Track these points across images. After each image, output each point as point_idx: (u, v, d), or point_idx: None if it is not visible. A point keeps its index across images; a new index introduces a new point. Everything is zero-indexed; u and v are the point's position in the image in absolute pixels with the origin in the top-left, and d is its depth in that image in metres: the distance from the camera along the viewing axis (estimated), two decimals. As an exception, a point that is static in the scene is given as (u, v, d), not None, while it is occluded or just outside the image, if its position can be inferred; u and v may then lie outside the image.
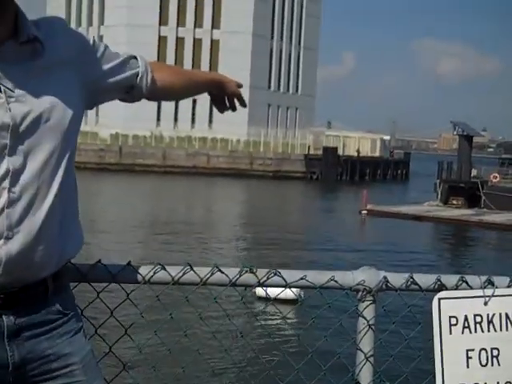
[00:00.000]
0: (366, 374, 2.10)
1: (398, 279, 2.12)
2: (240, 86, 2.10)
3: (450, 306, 2.05)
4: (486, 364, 2.06)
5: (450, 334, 2.05)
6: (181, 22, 69.24)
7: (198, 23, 69.46)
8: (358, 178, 59.83)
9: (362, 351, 2.09)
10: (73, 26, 72.55)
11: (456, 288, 2.12)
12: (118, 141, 58.00)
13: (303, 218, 31.57)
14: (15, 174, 1.52)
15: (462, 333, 2.05)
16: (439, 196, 37.70)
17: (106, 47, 1.78)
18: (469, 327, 2.05)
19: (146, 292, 1.96)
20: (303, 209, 36.67)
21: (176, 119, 64.85)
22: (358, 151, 63.38)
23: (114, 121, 56.77)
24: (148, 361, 6.58)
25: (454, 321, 2.05)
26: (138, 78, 1.83)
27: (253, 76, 69.16)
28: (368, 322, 2.07)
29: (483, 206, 35.76)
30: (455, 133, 40.86)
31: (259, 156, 58.57)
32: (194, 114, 64.89)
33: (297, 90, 76.72)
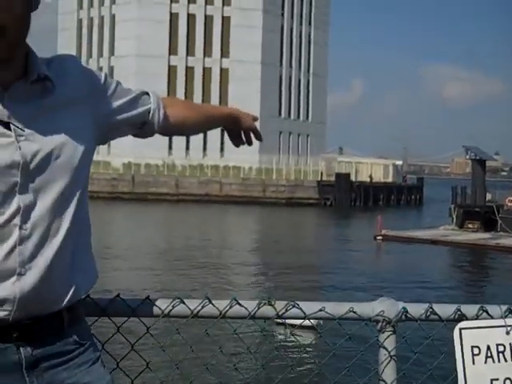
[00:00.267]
0: (390, 405, 2.08)
1: (417, 310, 2.11)
2: (255, 119, 2.10)
3: (471, 336, 2.04)
4: (511, 393, 2.04)
5: (473, 364, 2.03)
6: (190, 51, 69.93)
7: (207, 52, 70.12)
8: (372, 203, 59.71)
9: (384, 382, 2.08)
10: (83, 56, 73.53)
11: (476, 318, 2.10)
12: (131, 170, 58.33)
13: (318, 245, 31.46)
14: (26, 211, 1.54)
15: (485, 362, 2.03)
16: (454, 220, 37.52)
17: (118, 83, 1.79)
18: (492, 357, 2.03)
19: (164, 325, 1.96)
20: (318, 235, 36.58)
21: (188, 148, 65.18)
22: (371, 177, 63.37)
23: (126, 150, 57.15)
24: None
25: (476, 351, 2.03)
26: (150, 114, 1.84)
27: (263, 104, 69.54)
28: (389, 352, 2.06)
29: (500, 229, 35.52)
30: (468, 157, 40.79)
31: (272, 183, 58.66)
32: (205, 143, 65.23)
33: (307, 117, 77.02)
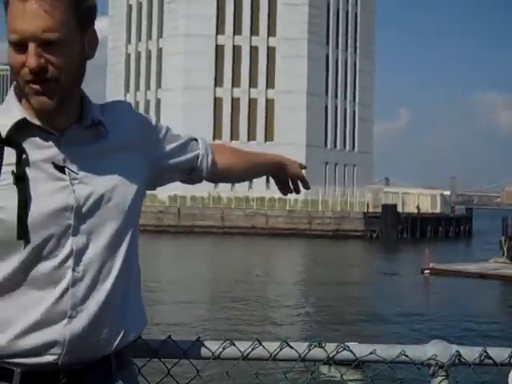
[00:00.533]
0: None
1: (470, 353, 2.06)
2: (303, 167, 2.11)
3: (528, 382, 1.99)
4: None
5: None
6: (236, 82, 70.62)
7: (252, 83, 70.70)
8: (419, 235, 58.86)
9: (440, 428, 2.03)
10: (131, 90, 74.94)
11: (533, 362, 2.05)
12: (177, 202, 58.78)
13: (365, 279, 31.10)
14: (79, 254, 1.56)
15: (542, 410, 1.98)
16: (505, 253, 36.68)
17: (168, 129, 1.83)
18: (549, 403, 1.98)
19: (214, 366, 1.96)
20: (365, 269, 36.17)
21: (234, 180, 65.47)
22: (418, 208, 62.56)
23: (171, 183, 57.63)
24: None
25: (532, 397, 1.98)
26: (199, 160, 1.87)
27: (309, 134, 69.67)
28: (443, 398, 2.02)
29: (554, 263, 34.59)
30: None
31: (318, 215, 58.40)
32: (251, 174, 65.44)
33: (353, 147, 76.75)
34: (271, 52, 70.86)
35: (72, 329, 1.55)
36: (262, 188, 63.65)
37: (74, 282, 1.56)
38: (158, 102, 72.68)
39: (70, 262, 1.55)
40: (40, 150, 1.56)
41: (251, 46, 70.98)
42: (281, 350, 2.00)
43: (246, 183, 65.91)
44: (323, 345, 2.03)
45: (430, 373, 2.04)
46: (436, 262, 32.66)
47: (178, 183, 2.03)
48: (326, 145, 73.07)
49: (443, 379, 2.03)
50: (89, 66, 1.65)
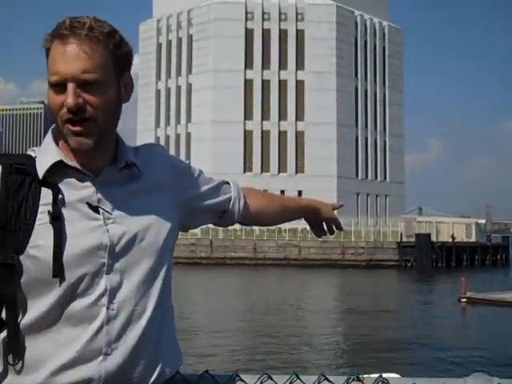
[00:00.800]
0: None
1: (514, 386, 2.01)
2: (335, 208, 2.13)
3: None
4: None
5: None
6: (265, 115, 71.08)
7: (282, 116, 71.09)
8: (455, 264, 58.09)
9: None
10: (162, 124, 75.86)
11: None
12: (209, 235, 58.92)
13: (400, 310, 30.69)
14: (113, 292, 1.59)
15: None
16: (543, 281, 35.98)
17: (201, 172, 1.87)
18: None
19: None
20: (399, 299, 35.73)
21: (265, 212, 65.54)
22: (453, 237, 61.80)
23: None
24: None
25: None
26: (231, 202, 1.89)
27: (340, 165, 69.63)
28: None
29: None
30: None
31: (351, 245, 58.02)
32: (283, 206, 65.48)
33: (385, 178, 76.48)
34: (300, 85, 71.32)
35: (107, 366, 1.56)
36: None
37: (109, 320, 1.57)
38: (189, 135, 73.39)
39: (104, 300, 1.57)
40: (75, 191, 1.61)
41: (280, 80, 71.52)
42: (319, 383, 1.97)
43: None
44: (361, 378, 1.99)
45: (472, 406, 1.99)
46: (473, 290, 32.12)
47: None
48: (357, 175, 72.91)
49: (486, 412, 1.97)
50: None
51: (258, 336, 21.05)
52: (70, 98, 1.52)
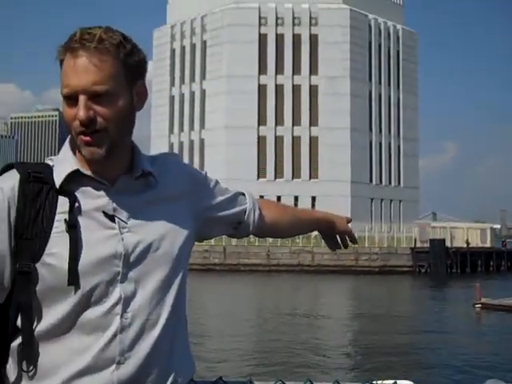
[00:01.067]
0: None
1: (530, 394, 2.01)
2: (349, 221, 2.13)
3: None
4: None
5: None
6: (279, 121, 71.03)
7: (295, 121, 71.02)
8: (470, 270, 57.73)
9: None
10: (176, 131, 76.01)
11: None
12: (222, 241, 58.91)
13: (414, 316, 30.53)
14: (127, 301, 1.59)
15: None
16: (559, 287, 35.65)
17: (217, 182, 1.88)
18: None
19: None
20: (414, 306, 35.54)
21: (279, 217, 65.43)
22: (468, 242, 61.42)
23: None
24: None
25: None
26: (246, 214, 1.90)
27: (353, 170, 69.43)
28: None
29: None
30: None
31: (364, 251, 57.79)
32: (296, 212, 65.35)
33: (399, 183, 76.17)
34: (313, 90, 71.22)
35: (120, 375, 1.56)
36: (308, 225, 63.51)
37: (122, 329, 1.58)
38: (202, 141, 73.50)
39: (119, 309, 1.58)
40: (92, 200, 1.62)
41: (293, 85, 71.47)
42: (332, 391, 1.98)
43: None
44: (376, 385, 2.00)
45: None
46: (487, 296, 31.89)
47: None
48: (371, 180, 72.68)
49: (502, 421, 1.97)
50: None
51: (271, 341, 21.02)
52: (81, 111, 1.55)
